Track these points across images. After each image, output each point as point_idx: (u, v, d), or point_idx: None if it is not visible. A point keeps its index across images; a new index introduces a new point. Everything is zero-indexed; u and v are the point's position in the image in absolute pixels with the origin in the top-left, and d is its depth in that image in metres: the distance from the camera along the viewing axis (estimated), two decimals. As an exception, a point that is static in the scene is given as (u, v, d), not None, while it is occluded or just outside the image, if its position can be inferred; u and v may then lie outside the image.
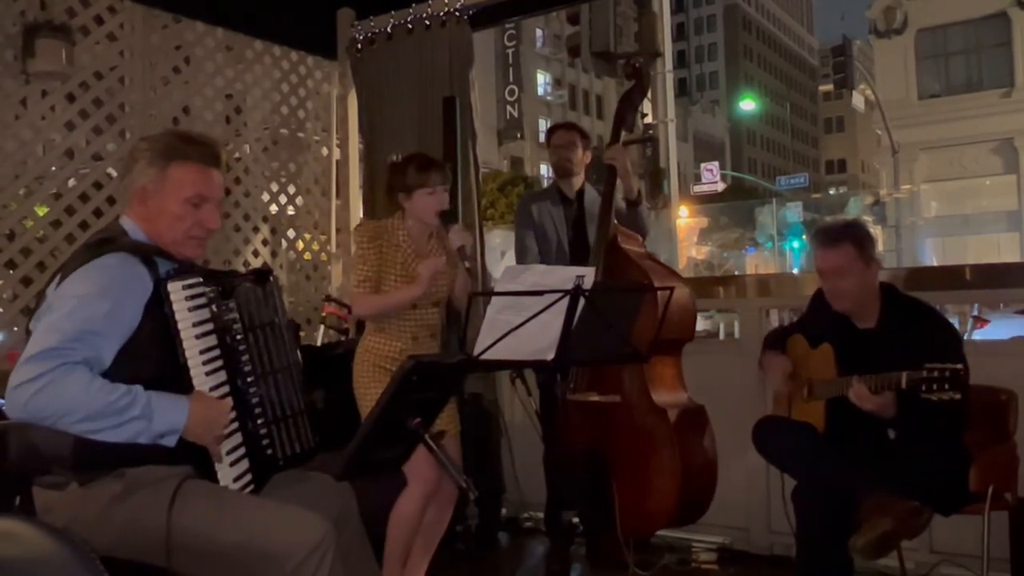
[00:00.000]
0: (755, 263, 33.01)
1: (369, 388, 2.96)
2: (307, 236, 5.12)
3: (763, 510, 3.76)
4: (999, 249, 24.25)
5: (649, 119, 16.01)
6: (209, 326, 1.98)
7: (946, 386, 2.41)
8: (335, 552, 1.86)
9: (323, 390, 3.32)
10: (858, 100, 32.70)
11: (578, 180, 3.87)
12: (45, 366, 1.78)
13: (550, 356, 2.57)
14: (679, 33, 67.61)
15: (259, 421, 2.05)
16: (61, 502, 1.87)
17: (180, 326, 1.93)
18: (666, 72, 17.04)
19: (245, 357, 2.04)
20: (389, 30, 4.87)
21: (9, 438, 1.90)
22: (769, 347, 3.10)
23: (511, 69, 39.79)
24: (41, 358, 1.79)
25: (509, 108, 39.76)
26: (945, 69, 26.63)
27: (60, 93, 4.06)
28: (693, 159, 51.86)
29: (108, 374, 1.85)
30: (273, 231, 5.00)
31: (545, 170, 36.64)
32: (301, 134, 5.15)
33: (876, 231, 22.11)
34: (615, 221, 3.53)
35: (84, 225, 4.05)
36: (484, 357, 2.51)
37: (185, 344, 1.93)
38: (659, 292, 2.94)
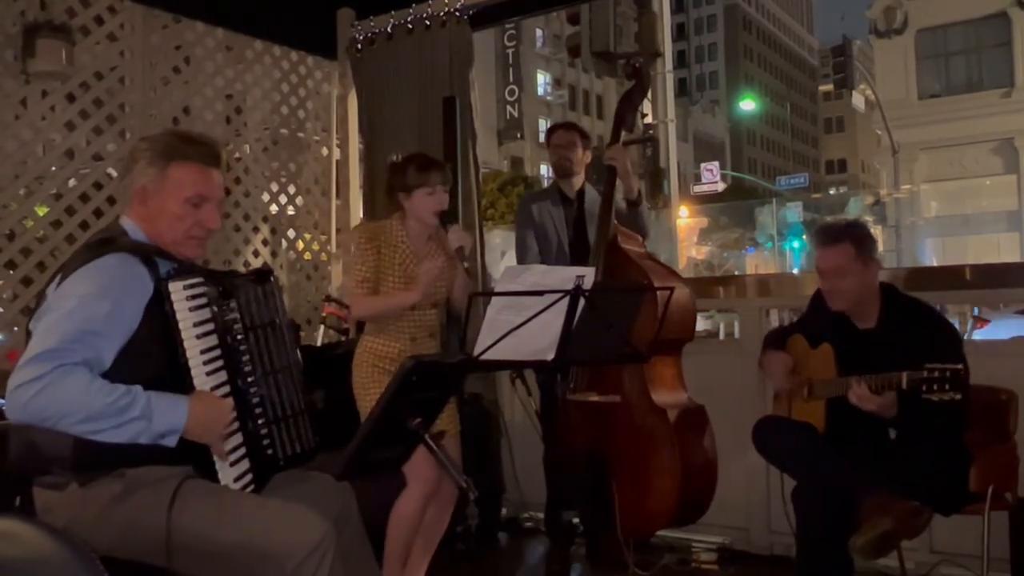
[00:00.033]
0: (755, 263, 33.00)
1: (369, 389, 2.96)
2: (307, 236, 5.12)
3: (763, 510, 3.76)
4: (999, 249, 24.24)
5: (649, 119, 16.04)
6: (210, 326, 1.97)
7: (946, 386, 2.41)
8: (335, 552, 1.86)
9: (323, 390, 3.32)
10: (858, 100, 32.72)
11: (578, 180, 3.87)
12: (45, 367, 1.78)
13: (550, 356, 2.57)
14: (679, 33, 67.62)
15: (260, 421, 2.05)
16: (61, 502, 1.87)
17: (181, 326, 1.93)
18: (666, 72, 17.07)
19: (246, 357, 2.04)
20: (389, 30, 4.87)
21: (9, 438, 1.89)
22: (769, 347, 3.10)
23: (511, 69, 39.81)
24: (41, 359, 1.79)
25: (509, 108, 39.78)
26: (945, 69, 26.63)
27: (60, 93, 4.06)
28: (693, 159, 51.87)
29: (108, 374, 1.85)
30: (273, 231, 5.00)
31: (545, 170, 36.63)
32: (301, 134, 5.15)
33: (876, 231, 22.08)
34: (615, 221, 3.53)
35: (84, 225, 4.05)
36: (484, 357, 2.50)
37: (186, 344, 1.93)
38: (659, 292, 2.94)
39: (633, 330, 2.78)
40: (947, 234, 25.42)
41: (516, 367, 3.45)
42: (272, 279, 2.19)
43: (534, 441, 3.71)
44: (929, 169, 25.78)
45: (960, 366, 2.43)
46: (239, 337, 2.03)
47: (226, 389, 1.99)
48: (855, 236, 2.80)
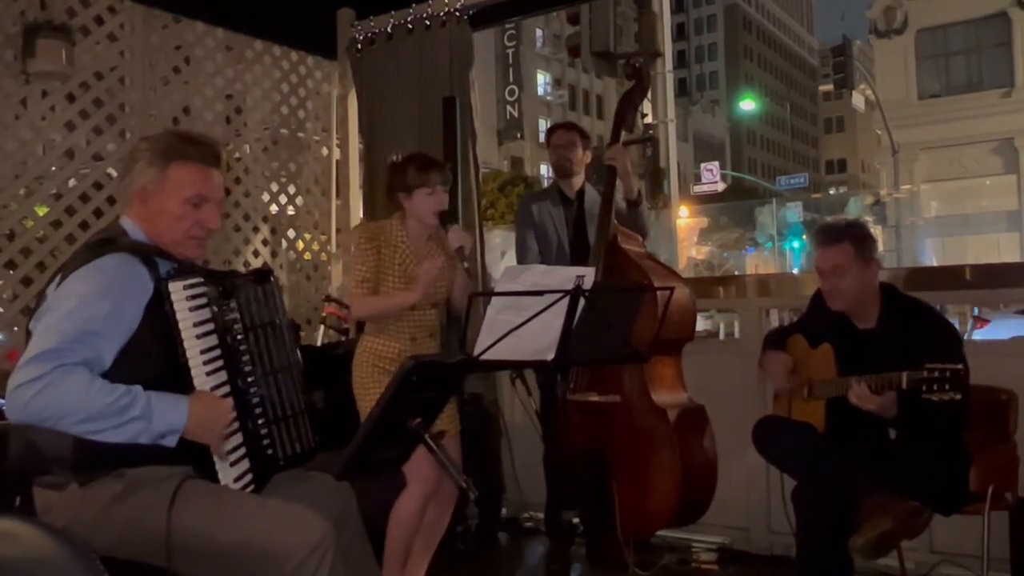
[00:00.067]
0: (755, 263, 33.00)
1: (368, 389, 2.96)
2: (307, 236, 5.12)
3: (763, 510, 3.76)
4: (999, 249, 24.24)
5: (649, 119, 16.04)
6: (210, 326, 1.97)
7: (946, 386, 2.41)
8: (335, 552, 1.86)
9: (323, 390, 3.32)
10: (858, 100, 32.72)
11: (578, 180, 3.87)
12: (45, 367, 1.78)
13: (550, 356, 2.57)
14: (679, 33, 67.62)
15: (260, 421, 2.05)
16: (61, 502, 1.87)
17: (181, 326, 1.93)
18: (666, 72, 17.08)
19: (246, 357, 2.04)
20: (389, 30, 4.87)
21: (9, 438, 1.89)
22: (769, 347, 3.10)
23: (511, 69, 39.81)
24: (41, 359, 1.79)
25: (509, 108, 39.78)
26: (945, 69, 26.63)
27: (60, 93, 4.06)
28: (693, 159, 51.86)
29: (108, 374, 1.85)
30: (273, 231, 5.00)
31: (545, 170, 36.64)
32: (301, 134, 5.15)
33: (876, 231, 22.07)
34: (615, 221, 3.53)
35: (84, 225, 4.05)
36: (484, 357, 2.50)
37: (186, 344, 1.93)
38: (659, 292, 2.94)
39: (633, 330, 2.78)
40: (947, 234, 25.42)
41: (516, 367, 3.45)
42: (272, 279, 2.19)
43: (534, 441, 3.71)
44: (929, 169, 25.78)
45: (960, 366, 2.43)
46: (239, 337, 2.03)
47: (226, 389, 1.99)
48: (855, 236, 2.80)
